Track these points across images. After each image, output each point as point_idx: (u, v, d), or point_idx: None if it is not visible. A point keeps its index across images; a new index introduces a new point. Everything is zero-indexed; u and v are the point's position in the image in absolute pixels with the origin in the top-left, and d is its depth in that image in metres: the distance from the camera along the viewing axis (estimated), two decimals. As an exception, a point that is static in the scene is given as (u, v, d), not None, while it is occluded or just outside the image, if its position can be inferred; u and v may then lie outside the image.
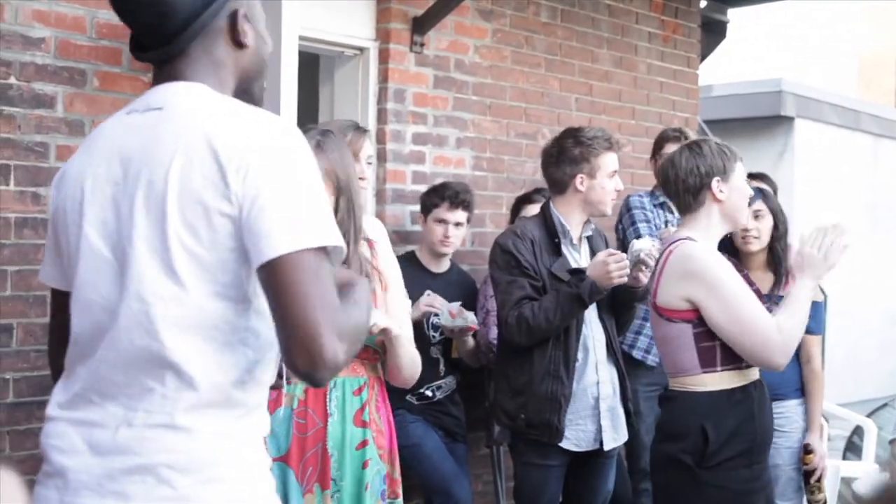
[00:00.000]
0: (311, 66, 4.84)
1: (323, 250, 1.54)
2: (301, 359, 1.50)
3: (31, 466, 3.42)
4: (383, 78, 4.58)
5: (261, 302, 1.60)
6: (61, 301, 1.76)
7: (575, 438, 3.60)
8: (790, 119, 9.84)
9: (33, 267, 3.47)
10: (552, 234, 3.63)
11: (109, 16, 3.63)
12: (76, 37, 3.59)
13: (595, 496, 3.78)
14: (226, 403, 1.60)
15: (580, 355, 3.59)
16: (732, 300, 2.94)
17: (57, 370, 1.79)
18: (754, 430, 2.97)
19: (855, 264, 7.66)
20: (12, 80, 3.44)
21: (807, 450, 3.89)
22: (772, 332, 2.92)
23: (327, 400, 2.75)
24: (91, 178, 1.65)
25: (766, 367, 3.01)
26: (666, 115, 5.96)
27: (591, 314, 3.63)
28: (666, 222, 4.48)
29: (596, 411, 3.63)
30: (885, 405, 6.67)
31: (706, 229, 3.07)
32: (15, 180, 3.45)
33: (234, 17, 1.71)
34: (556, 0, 5.34)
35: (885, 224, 10.67)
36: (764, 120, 9.77)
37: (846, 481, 5.12)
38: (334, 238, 1.56)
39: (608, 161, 3.66)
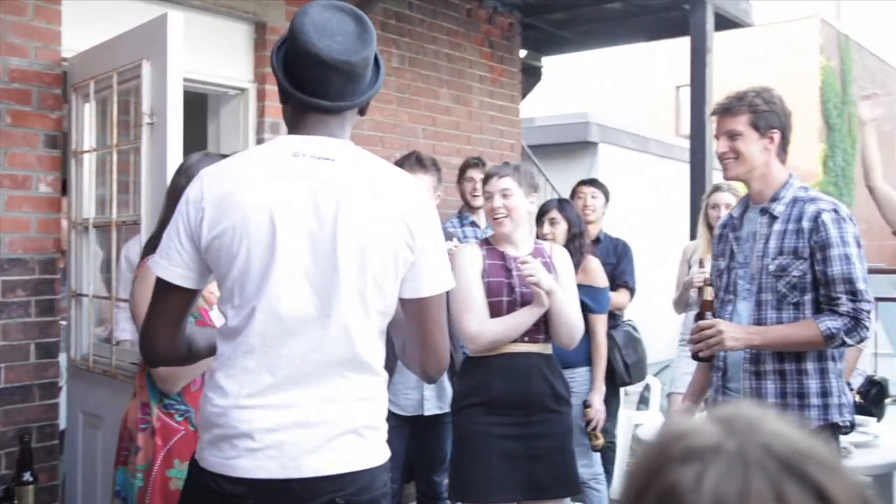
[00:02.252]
0: (201, 103, 4.72)
1: None
2: (434, 367, 1.83)
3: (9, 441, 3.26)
4: (261, 113, 4.50)
5: None
6: (182, 296, 1.77)
7: (401, 404, 3.54)
8: (595, 144, 10.10)
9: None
10: None
11: (20, 63, 3.46)
12: (-10, 80, 3.39)
13: (435, 453, 3.73)
14: (385, 381, 1.81)
15: None
16: (453, 294, 2.96)
17: (157, 351, 1.82)
18: (491, 389, 2.97)
19: (646, 258, 7.92)
20: (-68, 117, 3.23)
21: (585, 405, 3.90)
22: (469, 325, 2.98)
23: None
24: (278, 209, 1.67)
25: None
26: (496, 141, 6.04)
27: None
28: (476, 237, 4.43)
29: (420, 383, 3.54)
30: (667, 366, 6.93)
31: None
32: (-64, 203, 3.24)
33: None
34: (404, 49, 5.35)
35: (668, 225, 11.07)
36: (574, 145, 9.99)
37: (637, 427, 5.31)
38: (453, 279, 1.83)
39: None
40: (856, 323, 2.50)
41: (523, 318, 2.96)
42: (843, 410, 2.57)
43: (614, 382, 4.38)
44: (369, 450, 1.75)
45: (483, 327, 2.92)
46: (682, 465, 0.73)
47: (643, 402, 6.50)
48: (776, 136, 2.59)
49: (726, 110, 2.62)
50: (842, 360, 2.65)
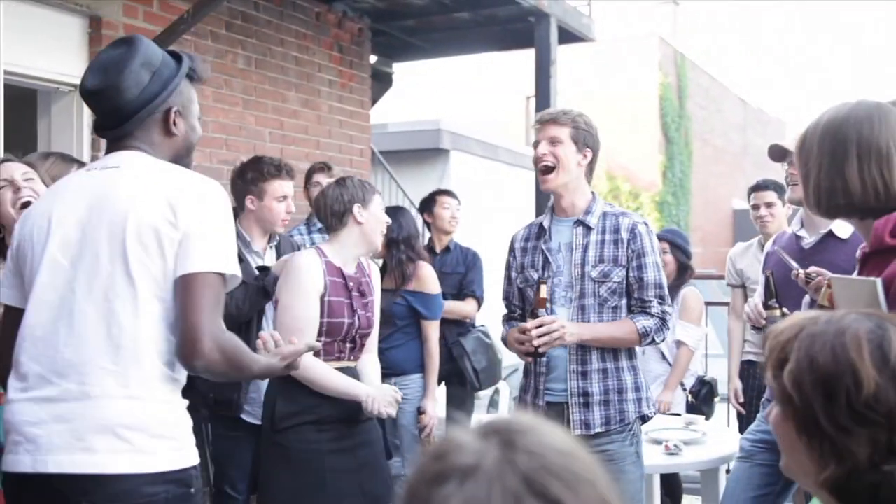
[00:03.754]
0: (30, 100, 4.44)
1: (222, 275, 1.79)
2: (186, 351, 1.72)
3: None
4: (96, 112, 4.28)
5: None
6: (16, 317, 1.84)
7: (258, 413, 3.30)
8: (447, 151, 10.22)
9: None
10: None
11: None
12: None
13: None
14: (164, 379, 1.76)
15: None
16: (285, 306, 2.83)
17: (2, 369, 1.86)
18: (321, 405, 2.82)
19: (498, 264, 8.04)
20: None
21: (419, 411, 3.91)
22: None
23: None
24: (57, 212, 1.82)
25: None
26: (345, 146, 5.98)
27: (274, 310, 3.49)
28: None
29: None
30: (515, 370, 7.07)
31: (342, 246, 2.93)
32: None
33: (167, 114, 1.91)
34: (251, 50, 5.22)
35: (513, 230, 11.31)
36: (427, 151, 10.07)
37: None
38: (233, 268, 1.81)
39: (275, 187, 3.44)
40: (662, 323, 2.80)
41: (342, 388, 2.84)
42: (649, 403, 2.88)
43: (465, 388, 4.43)
44: (131, 454, 1.69)
45: (307, 360, 2.63)
46: (437, 486, 0.74)
47: (493, 405, 6.60)
48: (589, 154, 2.82)
49: (552, 119, 2.82)
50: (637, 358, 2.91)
